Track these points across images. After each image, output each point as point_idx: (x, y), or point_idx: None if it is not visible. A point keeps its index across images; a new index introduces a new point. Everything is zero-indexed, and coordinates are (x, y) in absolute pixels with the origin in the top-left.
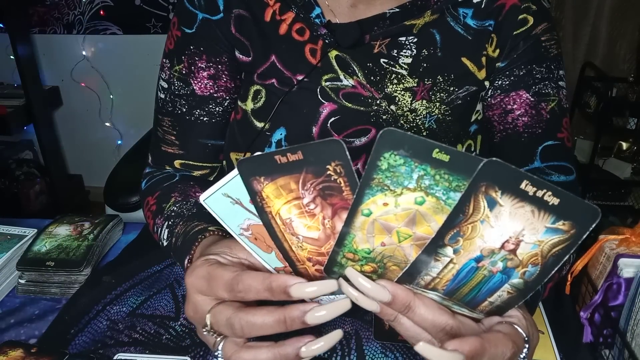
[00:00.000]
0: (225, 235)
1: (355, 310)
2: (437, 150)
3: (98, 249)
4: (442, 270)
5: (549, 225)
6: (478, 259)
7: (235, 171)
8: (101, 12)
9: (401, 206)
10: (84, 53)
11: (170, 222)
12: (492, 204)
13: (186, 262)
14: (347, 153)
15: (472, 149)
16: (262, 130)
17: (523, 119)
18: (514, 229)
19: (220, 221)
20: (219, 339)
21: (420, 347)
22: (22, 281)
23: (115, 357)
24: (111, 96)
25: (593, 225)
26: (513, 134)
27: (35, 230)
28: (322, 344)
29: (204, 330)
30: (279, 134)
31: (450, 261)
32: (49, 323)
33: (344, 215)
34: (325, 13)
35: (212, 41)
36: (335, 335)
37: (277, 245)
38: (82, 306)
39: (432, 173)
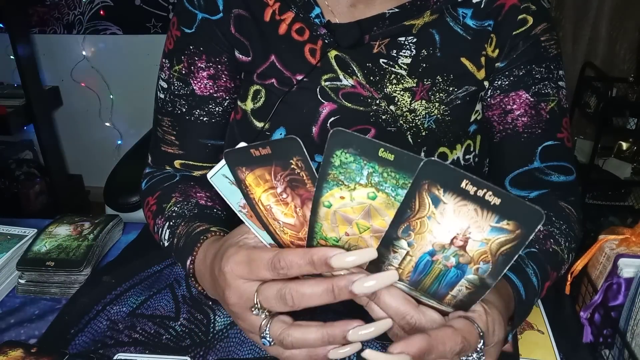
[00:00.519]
0: (225, 234)
1: (355, 310)
2: (382, 149)
3: (98, 249)
4: (401, 262)
5: (494, 224)
6: (432, 253)
7: None
8: (101, 12)
9: (356, 200)
10: (84, 53)
11: (171, 223)
12: (436, 201)
13: (188, 262)
14: (304, 150)
15: (472, 149)
16: (261, 130)
17: (523, 119)
18: (460, 226)
19: (224, 197)
20: (264, 321)
21: (366, 354)
22: (22, 281)
23: (115, 357)
24: (111, 96)
25: (538, 227)
26: (513, 134)
27: (35, 230)
28: (373, 329)
29: (253, 310)
30: (279, 133)
31: (407, 253)
32: (49, 323)
33: (310, 205)
34: (325, 13)
35: (211, 41)
36: (385, 323)
37: (264, 227)
38: (82, 306)
39: (380, 171)
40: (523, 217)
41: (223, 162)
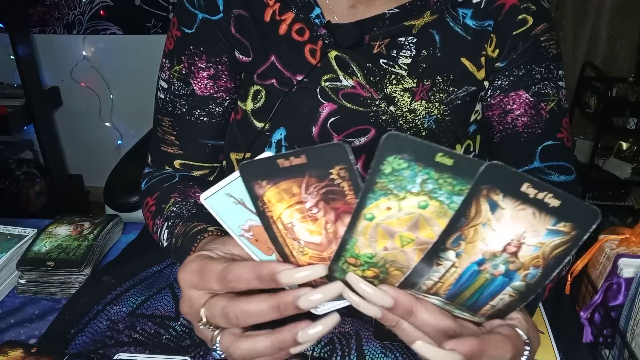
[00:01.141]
0: (223, 235)
1: (356, 311)
2: (440, 154)
3: (98, 249)
4: (444, 275)
5: (550, 227)
6: (480, 262)
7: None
8: (101, 12)
9: (404, 210)
10: (84, 53)
11: (170, 223)
12: (494, 207)
13: None
14: (352, 157)
15: (471, 149)
16: (262, 131)
17: (522, 119)
18: (515, 232)
19: (220, 221)
20: (216, 332)
21: (419, 346)
22: (22, 281)
23: (115, 357)
24: (111, 96)
25: (594, 226)
26: (512, 134)
27: (35, 230)
28: (320, 328)
29: (200, 324)
30: (279, 134)
31: (452, 265)
32: (49, 323)
33: (347, 219)
34: (325, 13)
35: (212, 41)
36: (332, 319)
37: (277, 250)
38: (82, 306)
39: (435, 177)
40: (579, 217)
41: (228, 179)
